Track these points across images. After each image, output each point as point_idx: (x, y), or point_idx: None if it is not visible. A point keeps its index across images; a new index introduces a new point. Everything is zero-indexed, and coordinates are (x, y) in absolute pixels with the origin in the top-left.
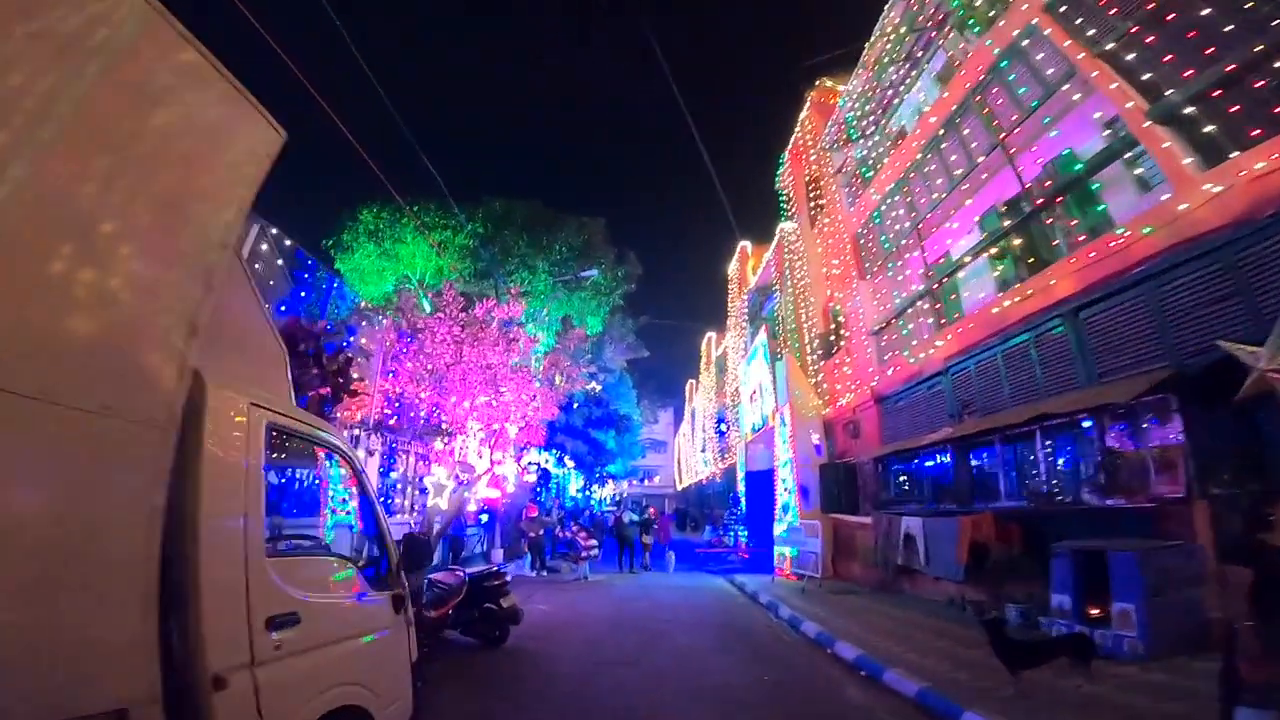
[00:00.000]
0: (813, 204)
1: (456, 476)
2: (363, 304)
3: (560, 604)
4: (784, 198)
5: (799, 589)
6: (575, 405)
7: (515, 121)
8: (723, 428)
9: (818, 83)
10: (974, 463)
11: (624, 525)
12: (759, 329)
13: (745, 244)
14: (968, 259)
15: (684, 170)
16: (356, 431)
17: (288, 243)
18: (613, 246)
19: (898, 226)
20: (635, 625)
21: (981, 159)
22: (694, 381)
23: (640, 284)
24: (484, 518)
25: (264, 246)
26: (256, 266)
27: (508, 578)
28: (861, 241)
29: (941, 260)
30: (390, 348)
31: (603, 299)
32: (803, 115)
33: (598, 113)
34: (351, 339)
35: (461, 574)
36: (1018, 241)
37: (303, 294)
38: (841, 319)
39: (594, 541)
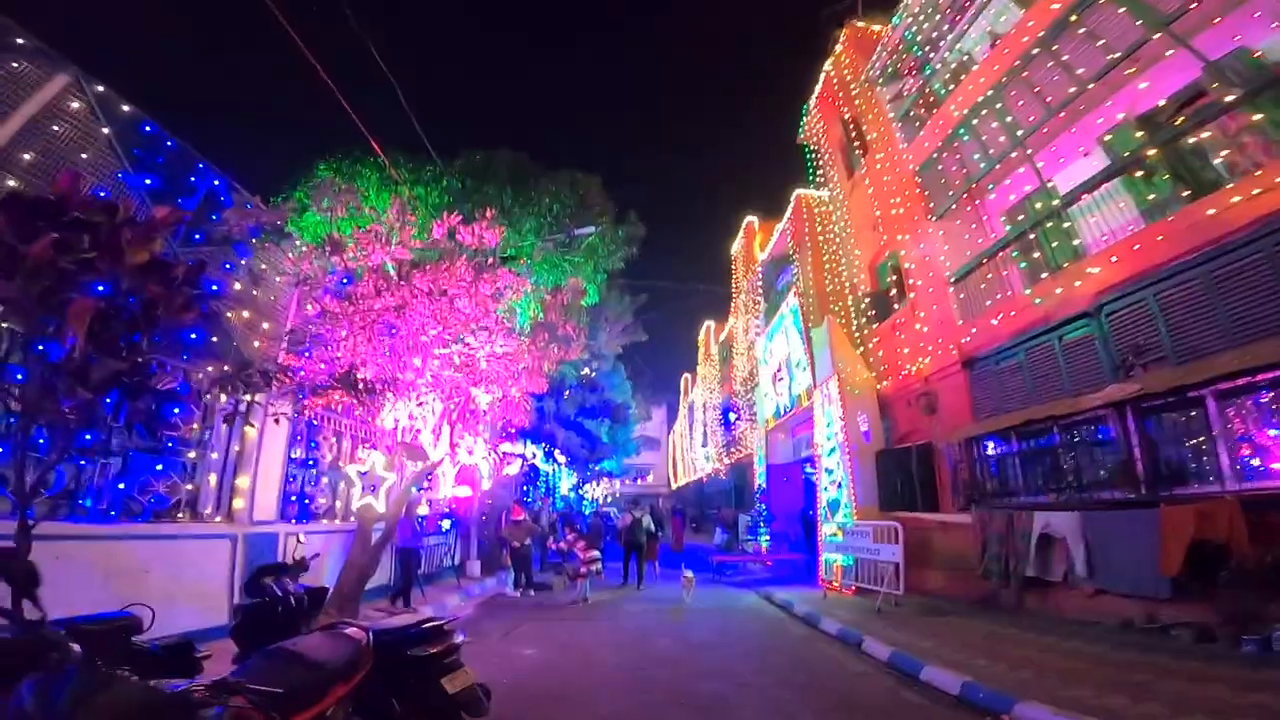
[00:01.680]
0: (856, 147)
1: (401, 466)
2: (264, 217)
3: (554, 644)
4: (810, 151)
5: (868, 609)
6: (567, 393)
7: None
8: (731, 418)
9: (847, 22)
10: (1160, 432)
11: (639, 530)
12: (781, 300)
13: (752, 219)
14: (1151, 153)
15: (677, 168)
16: (248, 397)
17: (126, 108)
18: (612, 204)
19: (1001, 139)
20: (670, 687)
21: (1156, 36)
22: (690, 375)
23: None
24: (445, 524)
25: (74, 104)
26: (55, 128)
27: (458, 637)
28: (937, 169)
29: (1047, 182)
30: (311, 281)
31: (600, 261)
32: (837, 52)
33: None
34: (243, 261)
35: (360, 636)
36: (1258, 116)
37: (147, 181)
38: (908, 267)
39: (595, 553)
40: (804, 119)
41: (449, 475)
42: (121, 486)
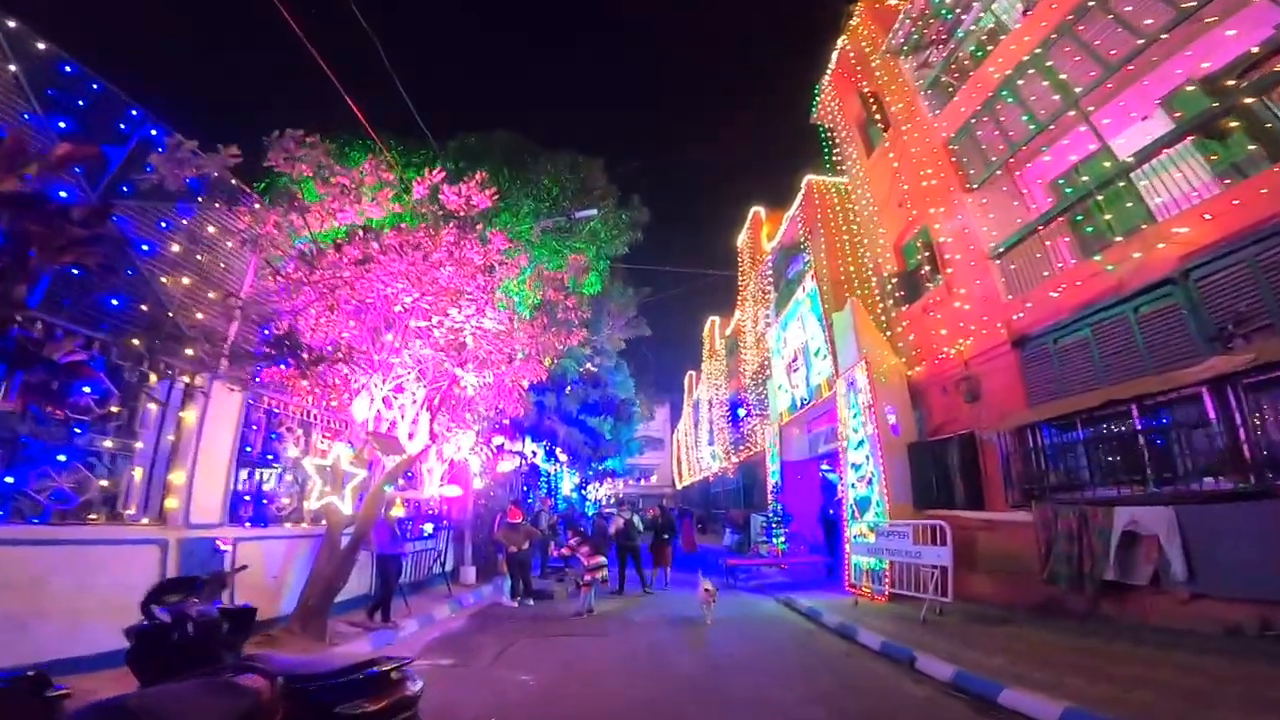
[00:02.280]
0: (877, 121)
1: (377, 461)
2: (205, 166)
3: (556, 667)
4: (824, 132)
5: (909, 618)
6: (568, 388)
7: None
8: (740, 414)
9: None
10: (1274, 411)
11: (633, 533)
12: (793, 288)
13: (758, 209)
14: (1247, 101)
15: (677, 165)
16: (186, 379)
17: (41, 45)
18: (614, 188)
19: (1054, 98)
20: None
21: None
22: (694, 373)
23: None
24: (428, 527)
25: None
26: None
27: (412, 685)
28: (975, 136)
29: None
30: (267, 240)
31: (602, 246)
32: (853, 25)
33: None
34: (185, 221)
35: (260, 685)
36: None
37: (61, 124)
38: (943, 241)
39: (601, 559)
40: (816, 99)
41: (436, 473)
42: (10, 480)
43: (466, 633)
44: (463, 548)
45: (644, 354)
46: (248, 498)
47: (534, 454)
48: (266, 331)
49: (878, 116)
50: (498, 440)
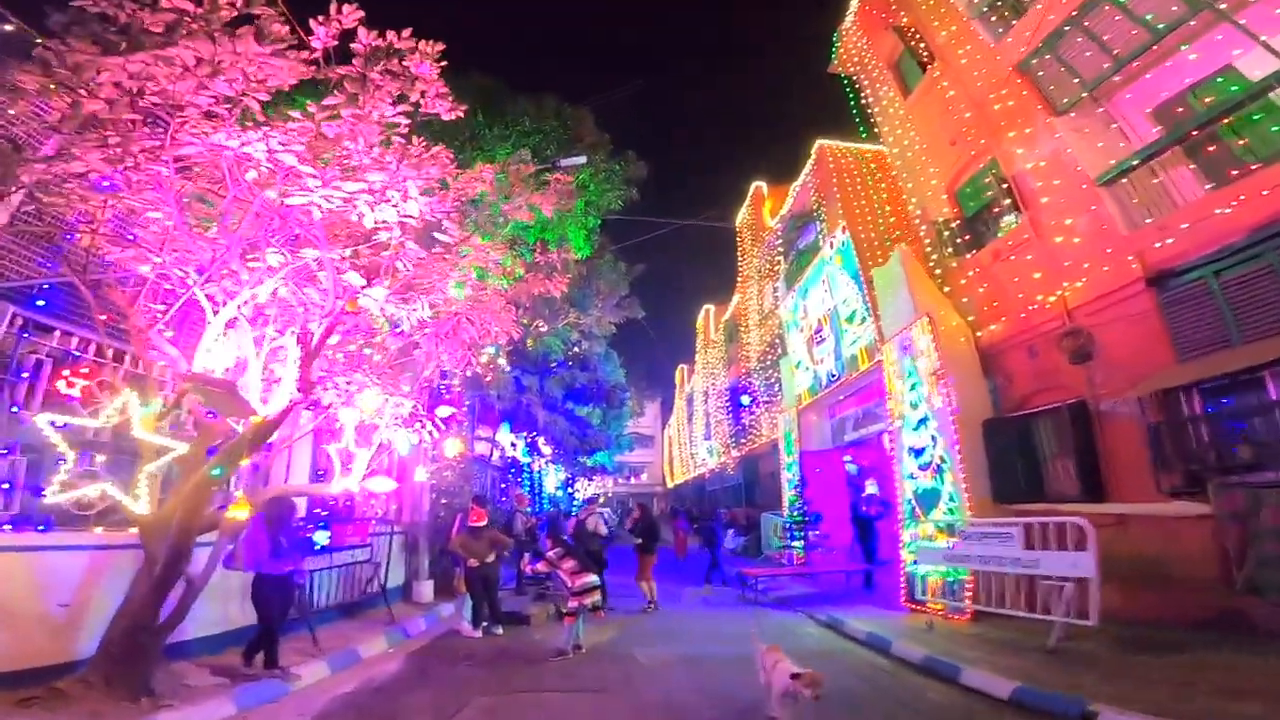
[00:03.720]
0: (922, 52)
1: (225, 429)
2: None
3: None
4: (847, 80)
5: (1021, 646)
6: (552, 364)
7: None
8: (744, 401)
9: None
10: None
11: (589, 538)
12: (807, 258)
13: (760, 184)
14: None
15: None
16: None
17: None
18: (606, 137)
19: None
20: None
21: None
22: (686, 366)
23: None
24: (320, 536)
25: None
26: None
27: None
28: (1075, 44)
29: None
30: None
31: (592, 201)
32: None
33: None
34: None
35: None
36: None
37: None
38: (1030, 166)
39: (591, 578)
40: (835, 47)
41: (361, 459)
42: None
43: (395, 684)
44: (416, 558)
45: (643, 331)
46: (6, 485)
47: (513, 444)
48: (71, 238)
49: (922, 47)
50: (444, 411)
